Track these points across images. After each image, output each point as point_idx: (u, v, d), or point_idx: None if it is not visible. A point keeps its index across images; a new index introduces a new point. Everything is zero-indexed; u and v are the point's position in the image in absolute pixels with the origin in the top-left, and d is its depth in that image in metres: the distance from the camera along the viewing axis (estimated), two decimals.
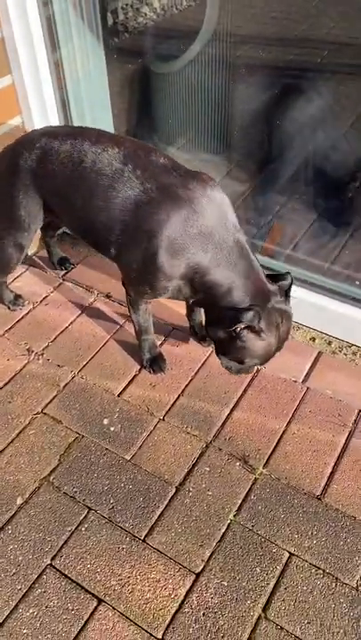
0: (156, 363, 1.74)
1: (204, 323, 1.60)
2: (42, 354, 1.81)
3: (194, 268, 1.40)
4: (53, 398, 1.68)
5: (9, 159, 1.60)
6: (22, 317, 1.93)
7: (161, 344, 1.82)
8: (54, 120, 1.96)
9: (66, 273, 2.09)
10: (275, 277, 1.48)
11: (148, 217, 1.38)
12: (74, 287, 2.04)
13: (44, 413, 1.65)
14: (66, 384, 1.72)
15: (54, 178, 1.51)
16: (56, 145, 1.50)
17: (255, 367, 1.64)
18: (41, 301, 1.99)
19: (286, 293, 1.48)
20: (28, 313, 1.95)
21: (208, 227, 1.38)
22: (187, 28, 3.13)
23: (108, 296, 2.00)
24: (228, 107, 2.37)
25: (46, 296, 2.01)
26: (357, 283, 1.81)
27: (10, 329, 1.89)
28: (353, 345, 1.78)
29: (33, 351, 1.82)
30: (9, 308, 1.94)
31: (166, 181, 1.38)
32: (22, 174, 1.56)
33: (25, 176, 1.55)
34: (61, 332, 1.88)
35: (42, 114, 1.90)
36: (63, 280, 2.07)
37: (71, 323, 1.91)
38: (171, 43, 3.01)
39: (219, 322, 1.46)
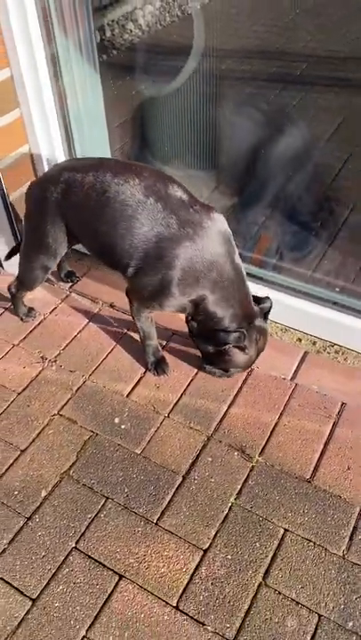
0: (159, 366, 1.92)
1: (191, 333, 1.81)
2: (55, 361, 1.99)
3: (201, 296, 1.62)
4: (68, 401, 1.86)
5: (37, 194, 1.78)
6: (34, 328, 2.11)
7: (163, 348, 2.01)
8: (58, 144, 2.13)
9: (72, 285, 2.26)
10: (257, 300, 1.74)
11: (169, 250, 1.57)
12: (80, 298, 2.22)
13: (60, 415, 1.82)
14: (78, 388, 1.90)
15: (79, 207, 1.68)
16: (79, 177, 1.66)
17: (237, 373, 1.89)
18: (51, 312, 2.16)
19: (265, 315, 1.75)
20: (39, 323, 2.12)
21: (217, 263, 1.60)
22: (171, 44, 3.32)
23: (111, 305, 2.18)
24: (216, 127, 2.55)
25: (55, 307, 2.18)
26: (337, 289, 2.00)
27: (24, 339, 2.06)
28: (335, 344, 1.98)
29: (46, 359, 1.99)
30: (22, 319, 2.11)
31: (185, 217, 1.57)
32: (50, 207, 1.73)
33: (52, 208, 1.73)
34: (71, 340, 2.06)
35: (47, 141, 2.08)
36: (70, 292, 2.25)
37: (79, 331, 2.09)
38: (158, 59, 3.19)
39: (209, 339, 1.70)
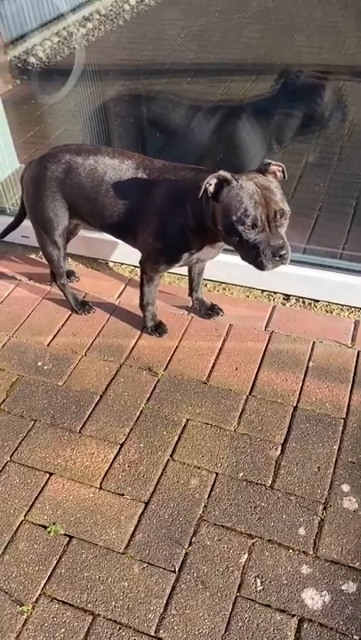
0: (159, 328, 2.14)
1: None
2: None
3: (188, 210, 1.75)
4: None
5: (36, 172, 1.94)
6: None
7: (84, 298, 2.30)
8: None
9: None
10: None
11: (157, 201, 1.79)
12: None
13: None
14: (3, 344, 2.15)
15: (81, 186, 1.89)
16: (80, 160, 1.89)
17: (283, 251, 1.59)
18: None
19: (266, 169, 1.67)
20: None
21: (194, 190, 1.66)
22: (66, 69, 3.75)
23: (30, 278, 2.46)
24: (101, 119, 2.95)
25: None
26: None
27: None
28: (223, 282, 2.35)
29: None
30: (76, 312, 2.27)
31: (175, 173, 1.82)
32: (49, 184, 1.92)
33: (52, 185, 1.92)
34: None
35: None
36: None
37: (1, 302, 2.35)
38: (56, 80, 3.61)
39: (209, 224, 1.72)
